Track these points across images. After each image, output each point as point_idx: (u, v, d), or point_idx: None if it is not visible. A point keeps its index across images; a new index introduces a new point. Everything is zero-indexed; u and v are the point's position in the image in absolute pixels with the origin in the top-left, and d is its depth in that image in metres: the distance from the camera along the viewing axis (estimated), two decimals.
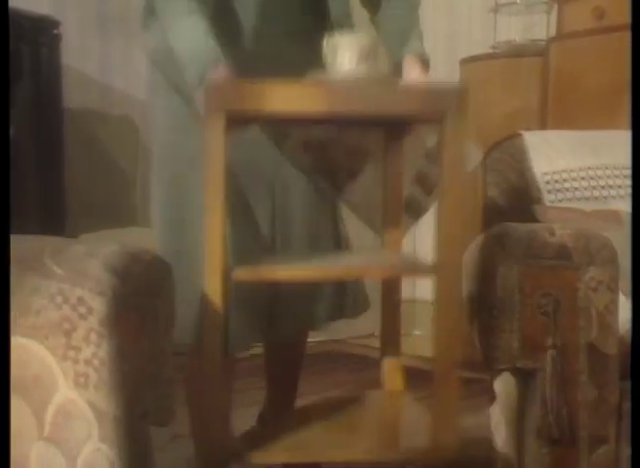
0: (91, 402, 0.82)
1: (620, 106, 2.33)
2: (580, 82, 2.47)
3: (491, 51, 2.84)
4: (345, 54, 1.15)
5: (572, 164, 1.73)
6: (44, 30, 2.45)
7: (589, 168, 1.70)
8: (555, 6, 2.65)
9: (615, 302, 1.13)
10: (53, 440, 0.82)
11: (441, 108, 1.09)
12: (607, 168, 1.69)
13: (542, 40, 2.68)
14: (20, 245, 0.89)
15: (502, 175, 1.82)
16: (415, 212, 1.41)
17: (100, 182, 2.72)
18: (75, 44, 2.77)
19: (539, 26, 2.81)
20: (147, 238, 1.42)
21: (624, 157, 1.74)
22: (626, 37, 2.32)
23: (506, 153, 1.86)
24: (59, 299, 0.83)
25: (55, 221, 2.36)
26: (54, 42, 2.47)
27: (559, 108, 2.55)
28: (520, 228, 1.17)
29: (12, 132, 2.38)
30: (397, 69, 1.32)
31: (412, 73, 1.30)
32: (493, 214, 1.76)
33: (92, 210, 2.57)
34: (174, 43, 1.21)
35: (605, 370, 1.11)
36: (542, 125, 2.59)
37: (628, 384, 1.10)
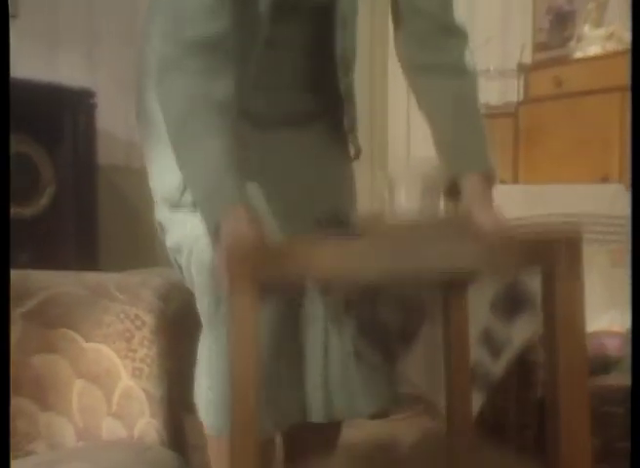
0: (144, 388, 1.17)
1: (577, 159, 2.69)
2: (545, 139, 2.84)
3: None
4: (405, 189, 1.02)
5: (523, 213, 2.08)
6: (83, 100, 2.85)
7: (538, 216, 2.05)
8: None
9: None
10: (118, 415, 1.17)
11: (545, 263, 0.85)
12: (551, 216, 2.04)
13: (513, 102, 3.06)
14: (93, 278, 1.26)
15: None
16: (481, 381, 1.11)
17: (126, 228, 3.10)
18: (106, 108, 3.17)
19: (510, 91, 3.19)
20: (167, 275, 1.77)
21: (570, 206, 2.11)
22: (582, 101, 2.71)
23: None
24: (121, 316, 1.19)
25: (90, 261, 2.73)
26: (90, 109, 2.88)
27: (528, 163, 2.92)
28: None
29: (54, 187, 2.78)
30: (453, 187, 1.08)
31: (476, 201, 1.03)
32: None
33: (120, 252, 2.95)
34: (185, 172, 1.01)
35: None
36: (515, 177, 2.96)
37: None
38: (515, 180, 2.93)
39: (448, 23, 1.14)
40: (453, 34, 1.14)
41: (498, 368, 1.11)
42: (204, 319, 1.02)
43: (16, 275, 1.23)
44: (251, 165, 1.05)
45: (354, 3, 1.16)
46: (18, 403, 1.15)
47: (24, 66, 2.92)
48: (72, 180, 2.80)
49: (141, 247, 3.11)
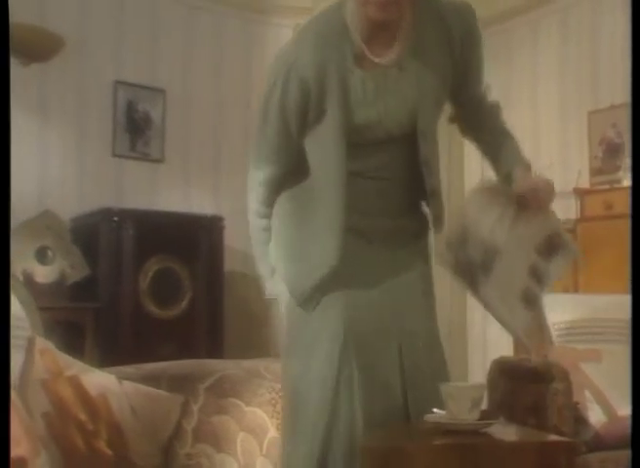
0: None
1: (622, 275, 3.13)
2: (599, 254, 3.31)
3: None
4: (459, 403, 1.33)
5: (572, 317, 2.56)
6: (214, 224, 3.56)
7: (582, 320, 2.53)
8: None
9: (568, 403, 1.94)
10: (267, 456, 1.73)
11: None
12: (592, 320, 2.51)
13: (572, 220, 3.55)
14: (248, 364, 1.85)
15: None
16: (531, 302, 1.52)
17: (243, 324, 3.74)
18: (231, 228, 3.86)
19: (570, 209, 3.69)
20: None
21: (613, 314, 2.57)
22: (628, 223, 3.16)
23: None
24: (269, 389, 1.76)
25: (217, 351, 3.36)
26: (219, 231, 3.58)
27: (586, 274, 3.36)
28: (511, 359, 2.02)
29: (191, 293, 3.45)
30: (507, 178, 1.57)
31: (526, 180, 1.54)
32: (519, 348, 2.58)
33: (241, 344, 3.58)
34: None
35: None
36: (575, 287, 3.38)
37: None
38: (576, 290, 3.36)
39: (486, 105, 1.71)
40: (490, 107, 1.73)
41: (541, 292, 1.55)
42: None
43: (196, 362, 1.83)
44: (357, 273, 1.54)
45: (431, 115, 1.59)
46: (202, 447, 1.72)
47: (167, 201, 3.69)
48: (205, 287, 3.47)
49: (257, 340, 3.72)
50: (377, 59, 1.53)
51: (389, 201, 1.60)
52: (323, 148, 1.55)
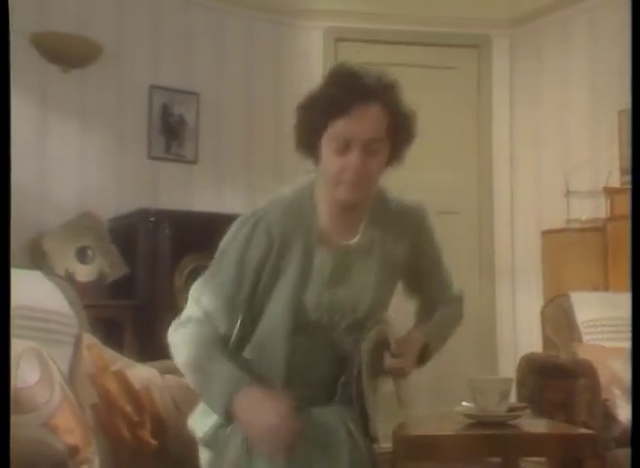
0: None
1: None
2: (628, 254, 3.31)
3: (565, 226, 3.74)
4: (487, 397, 1.37)
5: (601, 315, 2.59)
6: None
7: (610, 318, 2.56)
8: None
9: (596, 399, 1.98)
10: None
11: None
12: (621, 319, 2.54)
13: (602, 219, 3.57)
14: None
15: (555, 320, 2.70)
16: None
17: None
18: None
19: (599, 208, 3.70)
20: None
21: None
22: None
23: (559, 306, 2.75)
24: None
25: None
26: None
27: (616, 272, 3.38)
28: (540, 355, 2.07)
29: None
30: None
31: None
32: (548, 345, 2.62)
33: None
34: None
35: None
36: (606, 285, 3.39)
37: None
38: (606, 288, 3.36)
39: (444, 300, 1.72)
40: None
41: None
42: None
43: None
44: None
45: (378, 305, 1.58)
46: None
47: (201, 201, 3.78)
48: None
49: None
50: (341, 241, 1.54)
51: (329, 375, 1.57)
52: (270, 316, 1.53)
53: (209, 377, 1.45)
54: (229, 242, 1.55)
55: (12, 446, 0.80)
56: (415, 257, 1.66)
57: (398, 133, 1.50)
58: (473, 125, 4.23)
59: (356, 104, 1.42)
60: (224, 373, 1.42)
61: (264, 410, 1.33)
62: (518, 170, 4.21)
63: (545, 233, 3.76)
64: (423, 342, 1.56)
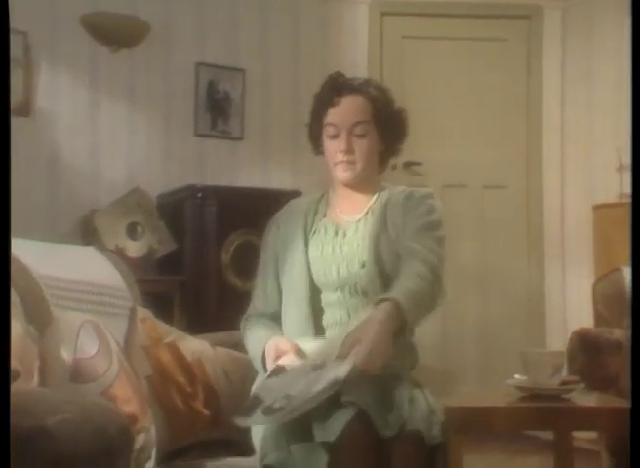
0: None
1: None
2: None
3: (618, 200, 3.66)
4: (540, 369, 1.36)
5: None
6: (292, 199, 3.65)
7: None
8: None
9: None
10: None
11: None
12: None
13: None
14: None
15: (608, 295, 2.65)
16: None
17: None
18: None
19: None
20: None
21: None
22: None
23: (611, 281, 2.70)
24: None
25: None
26: None
27: None
28: (591, 330, 2.04)
29: None
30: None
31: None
32: (600, 321, 2.58)
33: None
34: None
35: None
36: None
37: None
38: None
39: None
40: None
41: None
42: None
43: None
44: None
45: (376, 274, 1.71)
46: None
47: (247, 177, 3.81)
48: None
49: None
50: (344, 218, 1.84)
51: None
52: (289, 290, 1.81)
53: (249, 344, 1.85)
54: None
55: (79, 411, 0.83)
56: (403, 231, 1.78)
57: (384, 119, 1.81)
58: (522, 99, 4.15)
59: (342, 97, 1.80)
60: (257, 337, 1.81)
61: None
62: (569, 144, 4.13)
63: (597, 207, 3.69)
64: (380, 320, 1.52)
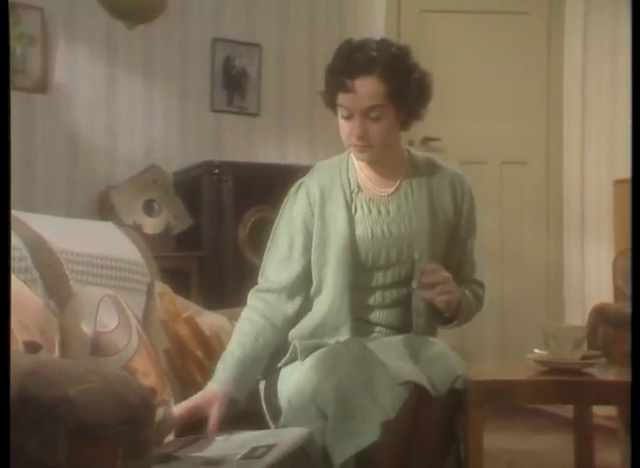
0: None
1: None
2: None
3: None
4: (561, 344, 1.37)
5: None
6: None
7: None
8: None
9: None
10: None
11: None
12: None
13: None
14: None
15: (627, 271, 2.63)
16: None
17: None
18: None
19: None
20: None
21: None
22: None
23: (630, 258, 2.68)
24: None
25: None
26: None
27: None
28: (612, 306, 2.03)
29: None
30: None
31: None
32: (619, 296, 2.57)
33: None
34: None
35: None
36: None
37: None
38: None
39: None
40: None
41: None
42: None
43: None
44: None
45: (428, 247, 1.71)
46: None
47: (264, 153, 3.80)
48: None
49: None
50: (377, 190, 1.75)
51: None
52: (328, 268, 1.71)
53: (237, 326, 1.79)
54: (280, 212, 1.80)
55: (101, 381, 0.84)
56: (455, 224, 1.78)
57: (401, 97, 1.68)
58: (543, 73, 4.09)
59: (353, 79, 1.65)
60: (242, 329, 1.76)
61: None
62: (590, 119, 4.06)
63: (618, 183, 3.64)
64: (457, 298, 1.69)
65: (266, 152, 3.83)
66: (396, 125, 1.73)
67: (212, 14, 3.72)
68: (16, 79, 3.12)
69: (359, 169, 1.78)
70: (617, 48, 3.93)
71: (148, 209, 3.38)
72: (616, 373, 1.51)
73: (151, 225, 3.35)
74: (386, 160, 1.76)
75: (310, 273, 1.74)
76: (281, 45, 3.90)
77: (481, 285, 1.83)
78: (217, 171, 3.36)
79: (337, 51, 1.73)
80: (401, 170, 1.79)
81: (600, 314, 2.21)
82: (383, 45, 1.70)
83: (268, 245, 1.81)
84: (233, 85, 3.79)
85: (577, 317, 3.70)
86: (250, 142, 3.82)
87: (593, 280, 3.88)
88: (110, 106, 3.47)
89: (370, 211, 1.73)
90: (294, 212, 1.75)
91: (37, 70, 3.23)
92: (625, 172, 3.76)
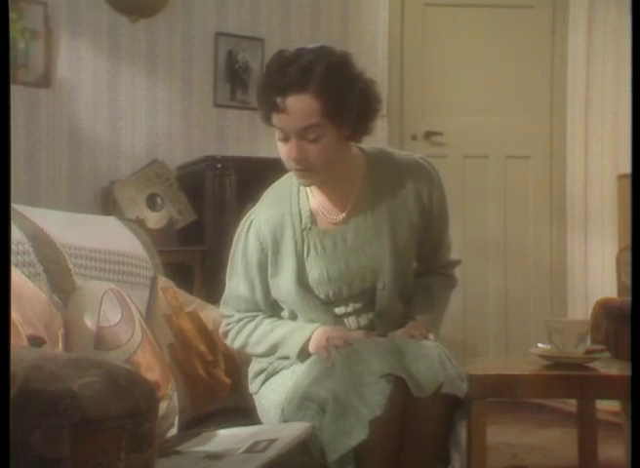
0: None
1: None
2: None
3: None
4: (565, 338, 1.37)
5: None
6: None
7: None
8: None
9: None
10: None
11: None
12: None
13: None
14: None
15: (630, 266, 2.62)
16: None
17: None
18: None
19: None
20: None
21: None
22: None
23: None
24: None
25: None
26: None
27: None
28: (615, 300, 2.02)
29: None
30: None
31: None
32: (623, 291, 2.56)
33: None
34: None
35: None
36: None
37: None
38: None
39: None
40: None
41: None
42: None
43: None
44: None
45: (394, 269, 1.63)
46: None
47: (266, 148, 3.79)
48: None
49: None
50: (331, 217, 1.63)
51: None
52: (291, 306, 1.67)
53: (274, 333, 1.69)
54: (234, 246, 1.74)
55: (104, 374, 0.84)
56: (425, 225, 1.68)
57: (341, 112, 1.51)
58: (547, 67, 4.08)
59: (285, 97, 1.49)
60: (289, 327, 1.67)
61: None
62: (594, 113, 4.05)
63: (621, 177, 3.63)
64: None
65: (269, 147, 3.81)
66: (339, 142, 1.56)
67: (214, 8, 3.71)
68: (19, 74, 3.12)
69: (309, 192, 1.65)
70: (621, 42, 3.92)
71: (151, 203, 3.38)
72: (619, 368, 1.51)
73: (154, 220, 3.35)
74: (337, 178, 1.62)
75: (278, 303, 1.72)
76: (284, 39, 3.89)
77: (457, 262, 1.79)
78: (219, 165, 3.36)
79: (267, 64, 1.58)
80: (356, 182, 1.64)
81: (604, 308, 2.21)
82: (320, 54, 1.52)
83: (228, 283, 1.77)
84: (236, 79, 3.79)
85: (580, 311, 3.70)
86: (253, 137, 3.81)
87: (597, 274, 3.87)
88: (113, 101, 3.47)
89: (324, 248, 1.62)
90: (248, 257, 1.69)
91: (40, 65, 3.23)
92: (629, 166, 3.76)
